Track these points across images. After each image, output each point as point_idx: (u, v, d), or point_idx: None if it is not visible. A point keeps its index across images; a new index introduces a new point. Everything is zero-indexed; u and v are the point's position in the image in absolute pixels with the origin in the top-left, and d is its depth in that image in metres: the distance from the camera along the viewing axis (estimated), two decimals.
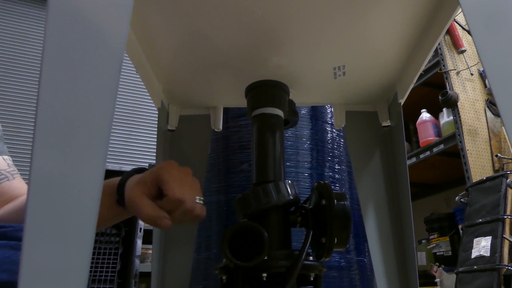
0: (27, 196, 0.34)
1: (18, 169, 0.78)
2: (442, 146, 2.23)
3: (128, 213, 0.64)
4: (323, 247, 0.58)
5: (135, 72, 0.73)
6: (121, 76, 0.40)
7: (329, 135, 1.16)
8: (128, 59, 0.68)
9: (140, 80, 0.75)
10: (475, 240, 1.65)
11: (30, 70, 3.18)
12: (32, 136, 0.35)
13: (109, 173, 0.36)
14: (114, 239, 1.91)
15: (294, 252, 0.59)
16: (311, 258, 0.60)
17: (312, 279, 0.58)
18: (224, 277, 0.60)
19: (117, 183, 0.62)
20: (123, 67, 0.40)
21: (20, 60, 3.18)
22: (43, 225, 0.34)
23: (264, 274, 0.55)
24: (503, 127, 2.12)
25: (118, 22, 0.40)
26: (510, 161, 2.02)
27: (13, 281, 0.48)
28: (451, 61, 2.20)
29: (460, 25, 2.23)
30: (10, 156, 0.78)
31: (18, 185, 0.74)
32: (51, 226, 0.34)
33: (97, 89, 0.39)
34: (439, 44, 1.96)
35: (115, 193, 0.61)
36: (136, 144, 3.32)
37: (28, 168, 0.34)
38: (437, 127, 2.35)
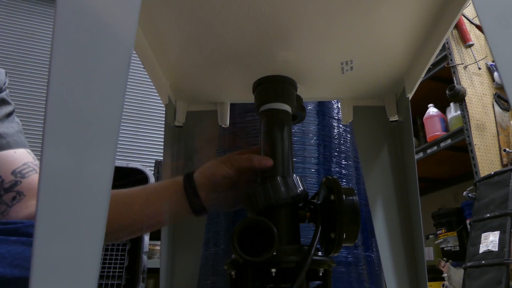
0: (38, 192, 0.34)
1: None
2: (449, 141, 2.21)
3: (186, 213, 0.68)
4: (332, 242, 0.58)
5: (141, 69, 0.73)
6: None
7: (335, 130, 1.16)
8: (134, 55, 0.68)
9: (146, 76, 0.75)
10: (483, 235, 1.64)
11: (38, 68, 3.19)
12: (41, 133, 0.35)
13: (116, 170, 0.36)
14: None
15: (303, 247, 0.59)
16: (320, 253, 0.60)
17: (321, 274, 0.58)
18: (233, 273, 0.60)
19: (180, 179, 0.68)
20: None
21: (28, 58, 3.20)
22: (53, 221, 0.34)
23: (273, 270, 0.55)
24: (511, 121, 2.11)
25: (126, 18, 0.40)
26: None
27: (25, 277, 0.48)
28: (459, 55, 2.18)
29: (467, 19, 2.20)
30: None
31: None
32: (61, 222, 0.34)
33: (106, 86, 0.39)
34: (446, 38, 1.94)
35: (182, 181, 0.67)
36: (143, 140, 3.32)
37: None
38: (444, 121, 2.33)
